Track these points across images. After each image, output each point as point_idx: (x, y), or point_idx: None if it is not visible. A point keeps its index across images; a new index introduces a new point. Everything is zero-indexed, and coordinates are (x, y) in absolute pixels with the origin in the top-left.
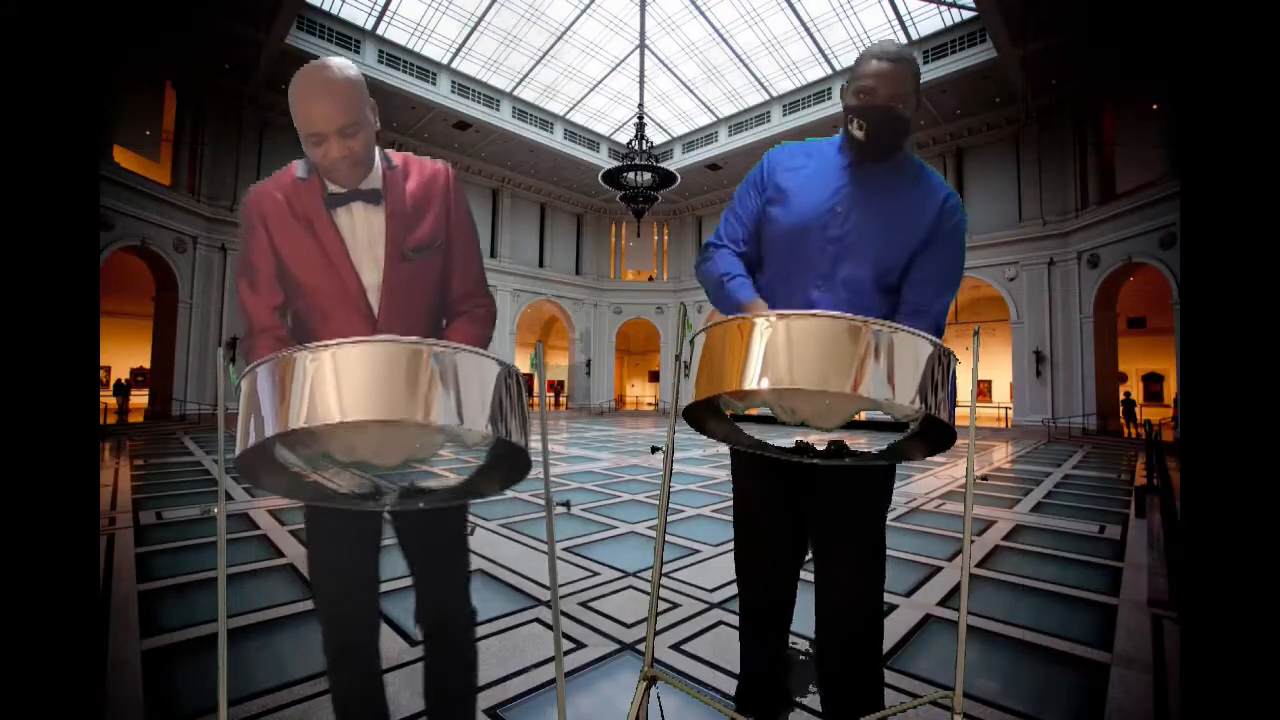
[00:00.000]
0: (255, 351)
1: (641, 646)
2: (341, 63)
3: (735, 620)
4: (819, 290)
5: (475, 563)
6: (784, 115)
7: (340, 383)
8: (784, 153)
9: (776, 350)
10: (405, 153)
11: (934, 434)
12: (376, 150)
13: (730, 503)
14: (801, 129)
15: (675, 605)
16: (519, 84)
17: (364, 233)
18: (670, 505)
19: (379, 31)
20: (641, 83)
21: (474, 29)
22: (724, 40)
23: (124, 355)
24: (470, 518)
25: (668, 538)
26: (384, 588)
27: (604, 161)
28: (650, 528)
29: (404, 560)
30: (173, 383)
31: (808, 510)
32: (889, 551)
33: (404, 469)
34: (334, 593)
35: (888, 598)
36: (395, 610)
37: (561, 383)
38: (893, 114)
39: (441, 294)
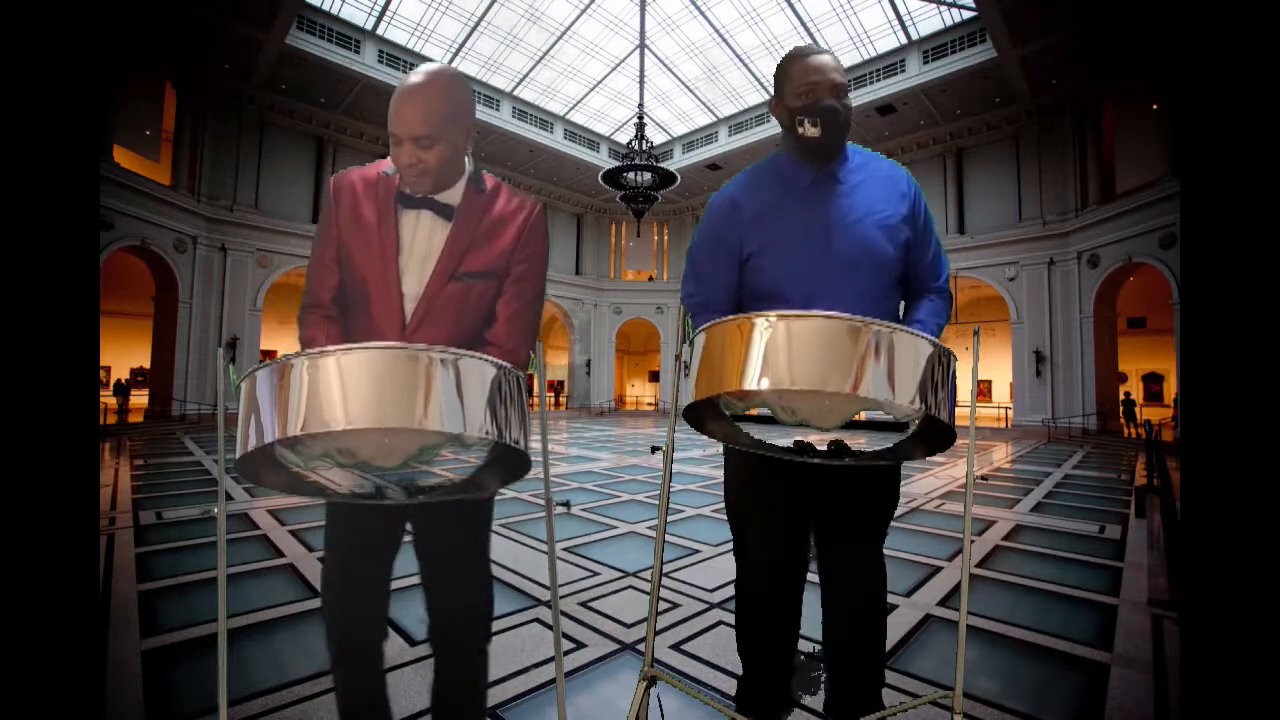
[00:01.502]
0: (305, 325)
1: (641, 646)
2: (443, 75)
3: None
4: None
5: None
6: None
7: (339, 389)
8: (736, 203)
9: (776, 350)
10: (501, 181)
11: (934, 434)
12: (468, 169)
13: None
14: None
15: (675, 605)
16: (519, 84)
17: (423, 243)
18: (670, 505)
19: (379, 31)
20: (641, 83)
21: (474, 29)
22: (724, 40)
23: (124, 355)
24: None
25: (668, 538)
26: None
27: (604, 161)
28: (650, 528)
29: (419, 566)
30: (173, 383)
31: (811, 511)
32: (888, 551)
33: (404, 468)
34: (346, 591)
35: (888, 598)
36: (395, 610)
37: (561, 383)
38: (843, 103)
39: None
